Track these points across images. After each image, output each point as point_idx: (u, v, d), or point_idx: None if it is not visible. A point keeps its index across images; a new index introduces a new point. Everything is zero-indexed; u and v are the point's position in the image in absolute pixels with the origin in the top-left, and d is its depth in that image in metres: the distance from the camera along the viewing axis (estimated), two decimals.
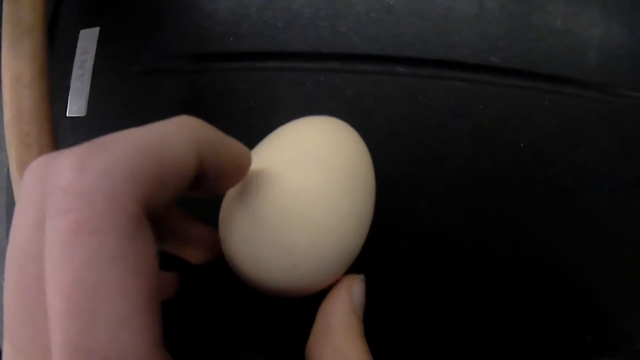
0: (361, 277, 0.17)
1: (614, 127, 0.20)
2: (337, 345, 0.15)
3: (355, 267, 0.17)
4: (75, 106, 0.23)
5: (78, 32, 0.24)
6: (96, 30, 0.23)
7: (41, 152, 0.19)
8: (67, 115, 0.23)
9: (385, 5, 0.21)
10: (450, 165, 0.20)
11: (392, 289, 0.20)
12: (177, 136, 0.12)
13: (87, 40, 0.23)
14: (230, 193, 0.16)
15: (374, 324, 0.17)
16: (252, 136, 0.17)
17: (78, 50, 0.23)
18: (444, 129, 0.20)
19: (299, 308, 0.17)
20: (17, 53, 0.19)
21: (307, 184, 0.15)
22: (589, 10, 0.21)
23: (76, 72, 0.23)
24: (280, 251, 0.15)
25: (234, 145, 0.14)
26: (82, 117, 0.23)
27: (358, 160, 0.17)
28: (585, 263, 0.20)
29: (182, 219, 0.18)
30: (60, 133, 0.22)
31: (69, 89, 0.23)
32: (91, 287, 0.10)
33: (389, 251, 0.20)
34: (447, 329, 0.20)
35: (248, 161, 0.15)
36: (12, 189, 0.20)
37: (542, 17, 0.20)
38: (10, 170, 0.19)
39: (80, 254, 0.10)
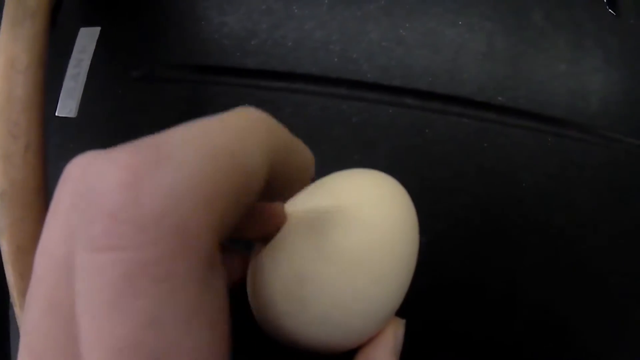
0: (404, 321, 0.16)
1: (611, 171, 0.21)
2: None
3: None
4: (66, 106, 0.22)
5: (78, 29, 0.23)
6: (97, 29, 0.23)
7: (28, 146, 0.17)
8: (56, 114, 0.22)
9: (398, 35, 0.21)
10: (452, 201, 0.20)
11: None
12: (252, 138, 0.10)
13: (87, 39, 0.22)
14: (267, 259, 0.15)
15: None
16: None
17: (76, 48, 0.22)
18: (448, 164, 0.20)
19: None
20: (16, 36, 0.18)
21: (367, 239, 0.14)
22: (593, 57, 0.22)
23: (71, 70, 0.22)
24: (334, 309, 0.14)
25: (302, 147, 0.12)
26: (72, 118, 0.22)
27: (410, 223, 0.16)
28: (576, 305, 0.20)
29: None
30: (46, 133, 0.21)
31: (61, 87, 0.22)
32: (154, 355, 0.08)
33: None
34: None
35: (313, 167, 0.13)
36: None
37: (547, 60, 0.21)
38: None
39: (141, 310, 0.08)
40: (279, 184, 0.11)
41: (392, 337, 0.15)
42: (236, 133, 0.09)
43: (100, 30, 0.23)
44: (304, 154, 0.12)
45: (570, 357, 0.20)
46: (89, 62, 0.22)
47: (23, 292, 0.17)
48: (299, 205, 0.15)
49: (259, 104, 0.21)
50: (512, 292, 0.20)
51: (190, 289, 0.08)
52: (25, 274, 0.17)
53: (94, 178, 0.08)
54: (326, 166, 0.16)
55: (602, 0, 0.23)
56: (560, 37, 0.22)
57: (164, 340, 0.08)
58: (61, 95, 0.22)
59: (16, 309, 0.18)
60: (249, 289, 0.15)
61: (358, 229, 0.14)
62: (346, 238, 0.14)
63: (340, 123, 0.21)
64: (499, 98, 0.20)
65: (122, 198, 0.08)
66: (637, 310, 0.21)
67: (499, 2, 0.22)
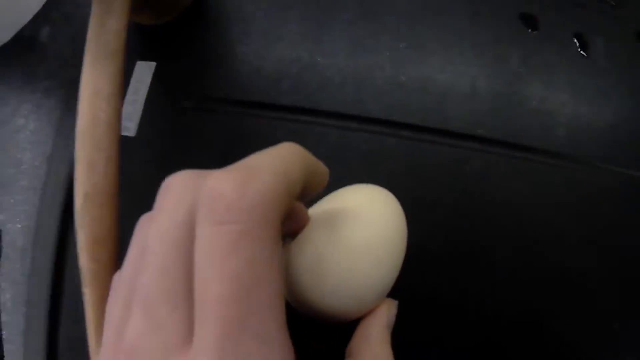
0: (396, 302, 0.21)
1: (573, 189, 0.26)
2: (374, 349, 0.19)
3: None
4: (126, 128, 0.26)
5: (134, 63, 0.28)
6: (152, 64, 0.28)
7: (109, 158, 0.22)
8: None
9: (398, 80, 0.27)
10: (435, 212, 0.25)
11: None
12: (296, 164, 0.15)
13: (143, 72, 0.27)
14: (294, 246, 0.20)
15: None
16: None
17: (133, 78, 0.27)
18: (435, 182, 0.25)
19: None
20: (99, 71, 0.23)
21: (368, 236, 0.19)
22: (561, 93, 0.27)
23: (130, 97, 0.27)
24: (347, 283, 0.19)
25: (321, 166, 0.18)
26: (130, 137, 0.26)
27: (387, 222, 0.21)
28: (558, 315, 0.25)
29: None
30: None
31: None
32: (251, 280, 0.13)
33: None
34: None
35: (327, 177, 0.18)
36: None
37: (522, 98, 0.27)
38: (77, 172, 0.22)
39: (244, 255, 0.13)
40: (306, 190, 0.16)
41: (386, 313, 0.20)
42: (287, 159, 0.15)
43: (156, 65, 0.28)
44: (322, 170, 0.18)
45: None
46: (145, 91, 0.27)
47: (95, 274, 0.21)
48: (317, 209, 0.21)
49: (288, 133, 0.26)
50: (494, 300, 0.24)
51: (269, 245, 0.13)
52: (100, 259, 0.21)
53: (216, 184, 0.14)
54: (339, 182, 0.21)
55: (575, 43, 0.29)
56: (534, 78, 0.28)
57: (257, 273, 0.13)
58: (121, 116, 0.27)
59: (86, 290, 0.22)
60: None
61: (360, 224, 0.19)
62: (351, 231, 0.19)
63: (351, 150, 0.26)
64: (479, 130, 0.26)
65: (234, 196, 0.13)
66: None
67: (482, 50, 0.28)
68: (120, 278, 0.15)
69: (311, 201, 0.20)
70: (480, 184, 0.25)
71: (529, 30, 0.29)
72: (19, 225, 0.31)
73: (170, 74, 0.28)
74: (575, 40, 0.29)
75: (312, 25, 0.28)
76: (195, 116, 0.27)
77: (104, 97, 0.22)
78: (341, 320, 0.20)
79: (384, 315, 0.20)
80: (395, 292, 0.20)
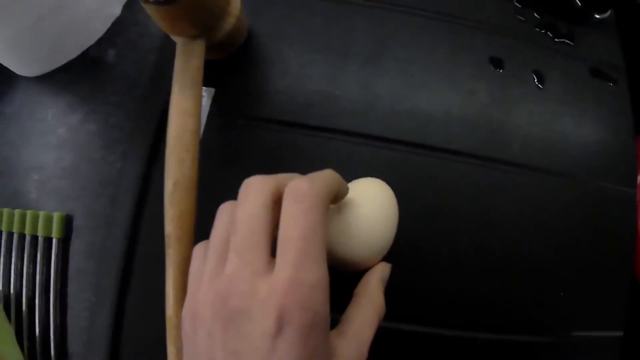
0: (390, 265, 0.31)
1: (528, 191, 0.36)
2: (372, 291, 0.28)
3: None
4: None
5: None
6: (212, 90, 0.37)
7: (194, 157, 0.31)
8: None
9: (394, 108, 0.37)
10: (418, 202, 0.35)
11: None
12: (334, 180, 0.26)
13: (205, 95, 0.37)
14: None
15: None
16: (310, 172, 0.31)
17: None
18: (418, 182, 0.35)
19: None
20: (186, 96, 0.31)
21: (371, 212, 0.29)
22: (518, 116, 0.37)
23: None
24: (357, 241, 0.29)
25: (345, 184, 0.28)
26: None
27: (387, 201, 0.31)
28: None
29: None
30: None
31: None
32: (315, 232, 0.22)
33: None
34: None
35: (347, 191, 0.29)
36: None
37: (486, 121, 0.37)
38: (168, 165, 0.31)
39: (311, 217, 0.22)
40: (336, 195, 0.26)
41: (381, 268, 0.30)
42: (330, 177, 0.26)
43: (215, 91, 0.37)
44: (345, 186, 0.28)
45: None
46: (207, 111, 0.36)
47: (179, 239, 0.30)
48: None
49: (315, 145, 0.36)
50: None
51: (322, 215, 0.23)
52: (184, 228, 0.30)
53: (298, 182, 0.23)
54: (353, 178, 0.32)
55: (533, 78, 0.39)
56: (497, 106, 0.37)
57: (316, 227, 0.22)
58: None
59: (170, 251, 0.30)
60: None
61: (370, 203, 0.30)
62: (365, 207, 0.29)
63: (360, 157, 0.36)
64: (452, 145, 0.36)
65: (309, 190, 0.23)
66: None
67: (457, 86, 0.37)
68: (209, 245, 0.24)
69: None
70: (452, 183, 0.35)
71: (497, 70, 0.39)
72: (92, 211, 0.39)
73: (226, 98, 0.37)
74: (534, 76, 0.39)
75: (332, 66, 0.38)
76: (246, 131, 0.36)
77: (190, 114, 0.31)
78: (357, 269, 0.29)
79: (380, 270, 0.30)
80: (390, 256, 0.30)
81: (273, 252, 0.23)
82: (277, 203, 0.23)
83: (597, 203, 0.37)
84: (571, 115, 0.39)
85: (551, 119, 0.38)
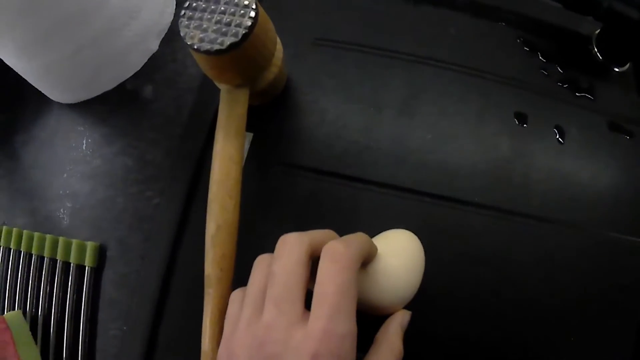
0: (410, 312, 0.32)
1: (548, 244, 0.37)
2: (391, 337, 0.30)
3: None
4: None
5: None
6: (250, 135, 0.39)
7: (236, 203, 0.32)
8: None
9: (424, 161, 0.39)
10: (443, 255, 0.36)
11: None
12: (366, 243, 0.28)
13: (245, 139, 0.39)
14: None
15: None
16: (341, 219, 0.35)
17: None
18: (444, 234, 0.37)
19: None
20: (230, 143, 0.33)
21: (400, 262, 0.31)
22: (539, 171, 0.39)
23: None
24: (385, 289, 0.30)
25: (374, 246, 0.30)
26: None
27: (414, 251, 0.33)
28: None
29: None
30: None
31: None
32: (348, 289, 0.24)
33: None
34: None
35: (376, 252, 0.30)
36: None
37: (508, 175, 0.39)
38: (211, 209, 0.32)
39: (347, 276, 0.24)
40: (367, 255, 0.28)
41: (401, 315, 0.32)
42: (363, 239, 0.28)
43: (253, 136, 0.39)
44: (374, 248, 0.30)
45: None
46: (245, 155, 0.38)
47: (219, 279, 0.31)
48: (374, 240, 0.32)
49: (348, 195, 0.37)
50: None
51: (355, 274, 0.25)
52: (224, 269, 0.31)
53: (335, 244, 0.25)
54: (382, 228, 0.34)
55: (555, 133, 0.40)
56: (519, 161, 0.39)
57: (349, 284, 0.24)
58: None
59: (209, 290, 0.32)
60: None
61: (400, 255, 0.32)
62: (395, 259, 0.31)
63: (390, 208, 0.37)
64: (476, 198, 0.38)
65: (345, 251, 0.25)
66: None
67: (483, 141, 0.39)
68: (247, 292, 0.27)
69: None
70: (475, 234, 0.37)
71: (521, 125, 0.41)
72: (126, 243, 0.40)
73: (263, 144, 0.39)
74: (555, 130, 0.41)
75: (367, 118, 0.40)
76: (281, 177, 0.38)
77: (234, 161, 0.33)
78: (383, 313, 0.31)
79: (400, 317, 0.31)
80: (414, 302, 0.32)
81: (306, 305, 0.25)
82: (310, 259, 0.26)
83: (610, 253, 0.38)
84: (589, 169, 0.40)
85: (570, 173, 0.40)
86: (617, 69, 0.44)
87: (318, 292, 0.24)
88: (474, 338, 0.36)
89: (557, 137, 0.41)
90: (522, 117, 0.41)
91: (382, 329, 0.30)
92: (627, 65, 0.44)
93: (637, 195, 0.40)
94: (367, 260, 0.29)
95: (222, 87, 0.35)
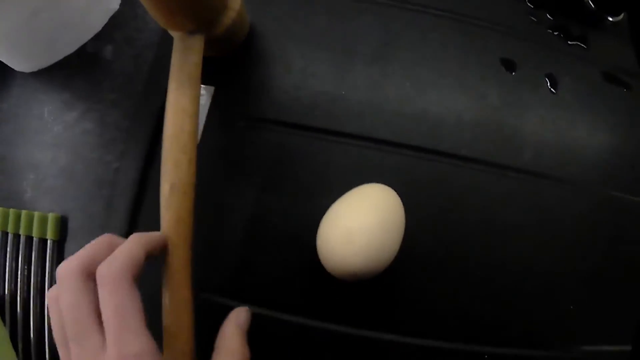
0: (246, 308, 0.30)
1: (540, 199, 0.34)
2: (228, 342, 0.28)
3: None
4: None
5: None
6: (212, 88, 0.35)
7: (190, 159, 0.29)
8: None
9: (403, 111, 0.35)
10: (426, 210, 0.33)
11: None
12: (140, 245, 0.25)
13: (204, 94, 0.35)
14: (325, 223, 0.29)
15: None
16: (314, 175, 0.31)
17: None
18: (427, 188, 0.34)
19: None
20: (183, 94, 0.30)
21: (374, 221, 0.28)
22: (531, 122, 0.36)
23: None
24: (351, 255, 0.27)
25: (156, 240, 0.27)
26: None
27: (394, 211, 0.29)
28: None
29: None
30: None
31: None
32: (125, 308, 0.23)
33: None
34: None
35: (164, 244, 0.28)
36: None
37: (497, 126, 0.35)
38: (164, 168, 0.29)
39: (120, 295, 0.23)
40: (151, 253, 0.27)
41: (235, 315, 0.29)
42: (131, 250, 0.25)
43: (214, 89, 0.35)
44: (159, 240, 0.28)
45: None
46: (206, 110, 0.35)
47: (176, 245, 0.28)
48: (346, 198, 0.29)
49: (319, 149, 0.34)
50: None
51: (130, 288, 0.24)
52: (181, 234, 0.28)
53: (99, 269, 0.24)
54: (358, 184, 0.31)
55: (546, 82, 0.37)
56: (509, 111, 0.36)
57: (129, 309, 0.23)
58: None
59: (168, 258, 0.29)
60: (318, 240, 0.28)
61: (374, 209, 0.28)
62: (368, 213, 0.28)
63: (367, 162, 0.34)
64: (463, 151, 0.35)
65: (108, 273, 0.24)
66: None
67: (467, 89, 0.36)
68: (54, 337, 0.25)
69: (340, 194, 0.29)
70: (462, 191, 0.34)
71: (509, 72, 0.37)
72: (87, 212, 0.38)
73: (226, 98, 0.36)
74: (547, 79, 0.38)
75: (338, 66, 0.36)
76: (247, 133, 0.35)
77: (188, 113, 0.30)
78: (361, 278, 0.28)
79: (234, 317, 0.29)
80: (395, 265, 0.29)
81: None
82: (90, 278, 0.25)
83: (609, 213, 0.35)
84: (584, 121, 0.37)
85: (564, 125, 0.37)
86: (610, 19, 0.41)
87: (102, 317, 0.23)
88: (462, 301, 0.33)
89: (549, 86, 0.37)
90: (509, 64, 0.37)
91: (220, 334, 0.29)
92: (622, 15, 0.41)
93: (636, 152, 0.37)
94: (152, 254, 0.27)
95: (175, 34, 0.32)
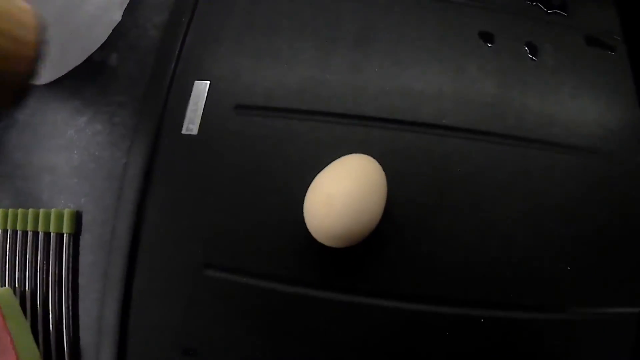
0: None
1: (524, 164, 0.36)
2: None
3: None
4: (189, 128, 0.37)
5: (193, 81, 0.38)
6: (207, 83, 0.38)
7: None
8: (183, 132, 0.37)
9: (385, 89, 0.37)
10: (411, 181, 0.35)
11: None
12: None
13: (200, 89, 0.38)
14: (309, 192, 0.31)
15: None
16: (303, 154, 0.33)
17: (193, 93, 0.38)
18: (412, 159, 0.35)
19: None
20: None
21: (354, 185, 0.30)
22: (512, 89, 0.37)
23: (191, 106, 0.37)
24: (332, 218, 0.29)
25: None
26: (193, 135, 0.37)
27: (373, 176, 0.31)
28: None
29: None
30: (176, 146, 0.36)
31: (184, 116, 0.37)
32: None
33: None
34: None
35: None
36: None
37: (477, 95, 0.37)
38: None
39: None
40: None
41: None
42: None
43: (210, 83, 0.38)
44: None
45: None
46: (203, 102, 0.37)
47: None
48: (329, 167, 0.31)
49: (307, 129, 0.36)
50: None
51: None
52: None
53: None
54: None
55: (526, 50, 0.38)
56: (488, 80, 0.37)
57: None
58: (185, 119, 0.37)
59: None
60: (304, 210, 0.31)
61: (356, 177, 0.30)
62: (347, 179, 0.30)
63: (353, 138, 0.36)
64: (444, 120, 0.36)
65: None
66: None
67: (446, 64, 0.38)
68: None
69: (324, 165, 0.32)
70: (446, 159, 0.36)
71: (487, 44, 0.39)
72: (99, 206, 0.41)
73: (220, 90, 0.39)
74: (526, 48, 0.39)
75: (322, 52, 0.39)
76: (241, 119, 0.37)
77: None
78: (345, 243, 0.30)
79: None
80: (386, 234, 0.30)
81: None
82: None
83: (601, 175, 0.36)
84: (568, 85, 0.38)
85: (547, 89, 0.38)
86: None
87: None
88: (453, 269, 0.34)
89: (529, 54, 0.39)
90: (487, 37, 0.39)
91: None
92: None
93: (626, 113, 0.38)
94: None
95: None
